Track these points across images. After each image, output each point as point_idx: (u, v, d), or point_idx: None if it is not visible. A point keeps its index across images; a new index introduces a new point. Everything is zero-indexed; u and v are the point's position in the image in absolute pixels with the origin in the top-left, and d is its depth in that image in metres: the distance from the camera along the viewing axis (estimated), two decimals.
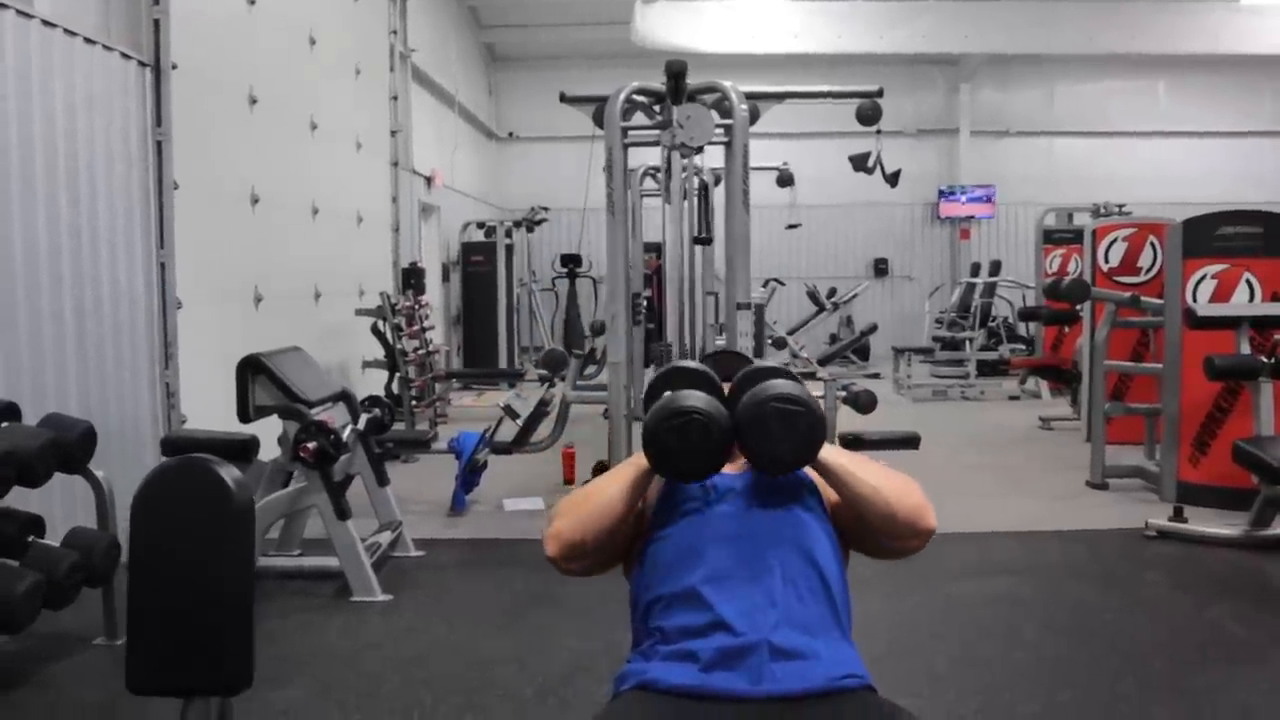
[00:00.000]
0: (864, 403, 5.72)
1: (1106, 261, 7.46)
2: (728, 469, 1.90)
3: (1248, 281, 5.45)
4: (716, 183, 7.17)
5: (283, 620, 3.80)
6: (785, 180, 9.30)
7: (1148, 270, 7.37)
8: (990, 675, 3.40)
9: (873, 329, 12.94)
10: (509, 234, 11.67)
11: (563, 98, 5.44)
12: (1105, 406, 6.09)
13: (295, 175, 6.16)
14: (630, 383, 5.65)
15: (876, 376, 12.04)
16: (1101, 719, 3.10)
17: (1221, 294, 5.50)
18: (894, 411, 8.75)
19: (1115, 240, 7.47)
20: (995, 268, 12.72)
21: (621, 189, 5.26)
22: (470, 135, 12.77)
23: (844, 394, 5.87)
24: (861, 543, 1.88)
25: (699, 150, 5.18)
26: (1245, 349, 4.90)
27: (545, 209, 12.68)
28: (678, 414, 1.73)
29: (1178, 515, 4.95)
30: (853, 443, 5.69)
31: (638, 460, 1.82)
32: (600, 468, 5.93)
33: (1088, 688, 3.28)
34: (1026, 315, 9.58)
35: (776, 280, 12.32)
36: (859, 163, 6.08)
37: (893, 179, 6.02)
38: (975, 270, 13.52)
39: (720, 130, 5.18)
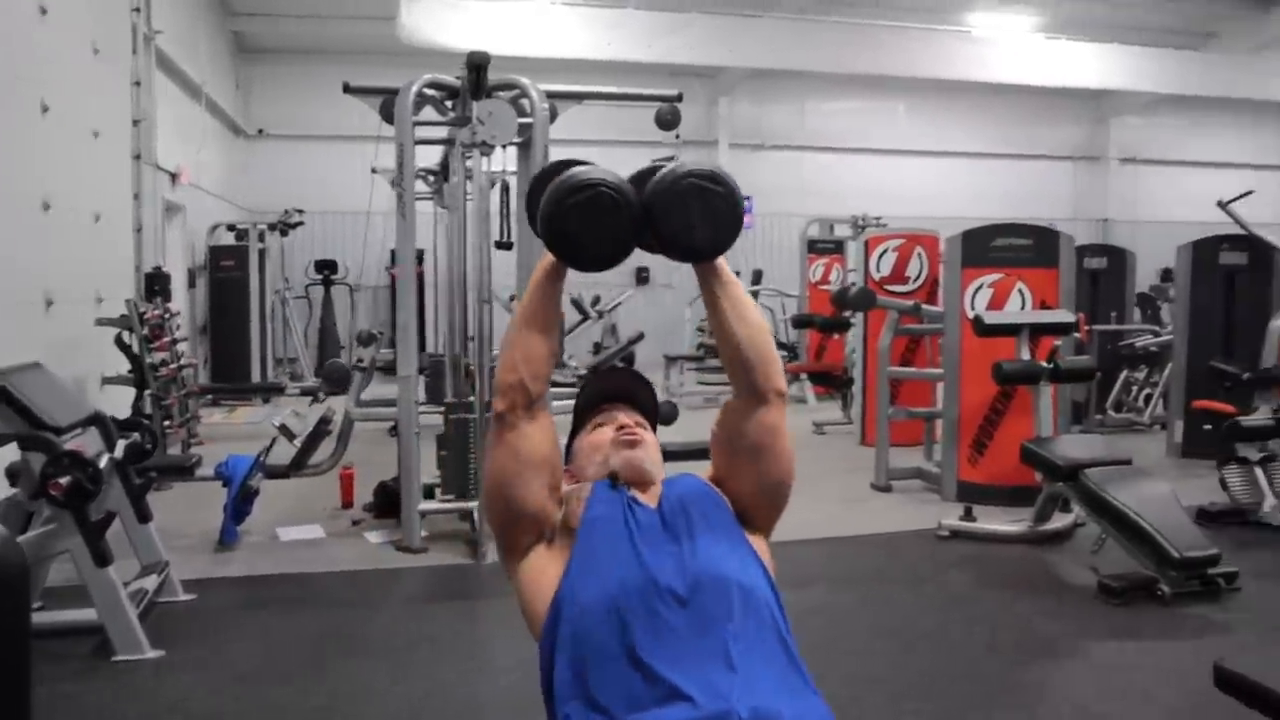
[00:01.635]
0: (665, 414, 5.61)
1: (878, 270, 7.75)
2: (643, 499, 1.67)
3: (1020, 290, 5.76)
4: (491, 185, 6.86)
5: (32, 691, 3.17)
6: None
7: (915, 279, 7.72)
8: (831, 689, 3.29)
9: (640, 337, 12.96)
10: (262, 237, 10.82)
11: (347, 88, 4.98)
12: (889, 411, 6.28)
13: (22, 164, 5.30)
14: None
15: None
16: None
17: (996, 302, 5.78)
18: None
19: (886, 251, 7.78)
20: (757, 277, 13.09)
21: (413, 190, 4.88)
22: (217, 130, 11.75)
23: None
24: (733, 469, 1.73)
25: (494, 148, 4.87)
26: (1025, 354, 5.15)
27: (300, 211, 11.87)
28: (583, 187, 1.50)
29: (968, 515, 5.13)
30: None
31: (540, 265, 1.64)
32: (383, 489, 5.51)
33: (930, 694, 3.27)
34: (800, 323, 9.87)
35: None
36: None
37: None
38: None
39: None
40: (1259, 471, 5.31)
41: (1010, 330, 5.18)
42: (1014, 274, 5.79)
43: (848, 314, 8.06)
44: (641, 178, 1.65)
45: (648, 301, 15.15)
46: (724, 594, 1.50)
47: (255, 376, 10.37)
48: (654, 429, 1.91)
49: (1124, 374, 8.51)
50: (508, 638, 3.80)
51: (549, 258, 1.61)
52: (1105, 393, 8.47)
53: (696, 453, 5.31)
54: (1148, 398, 8.59)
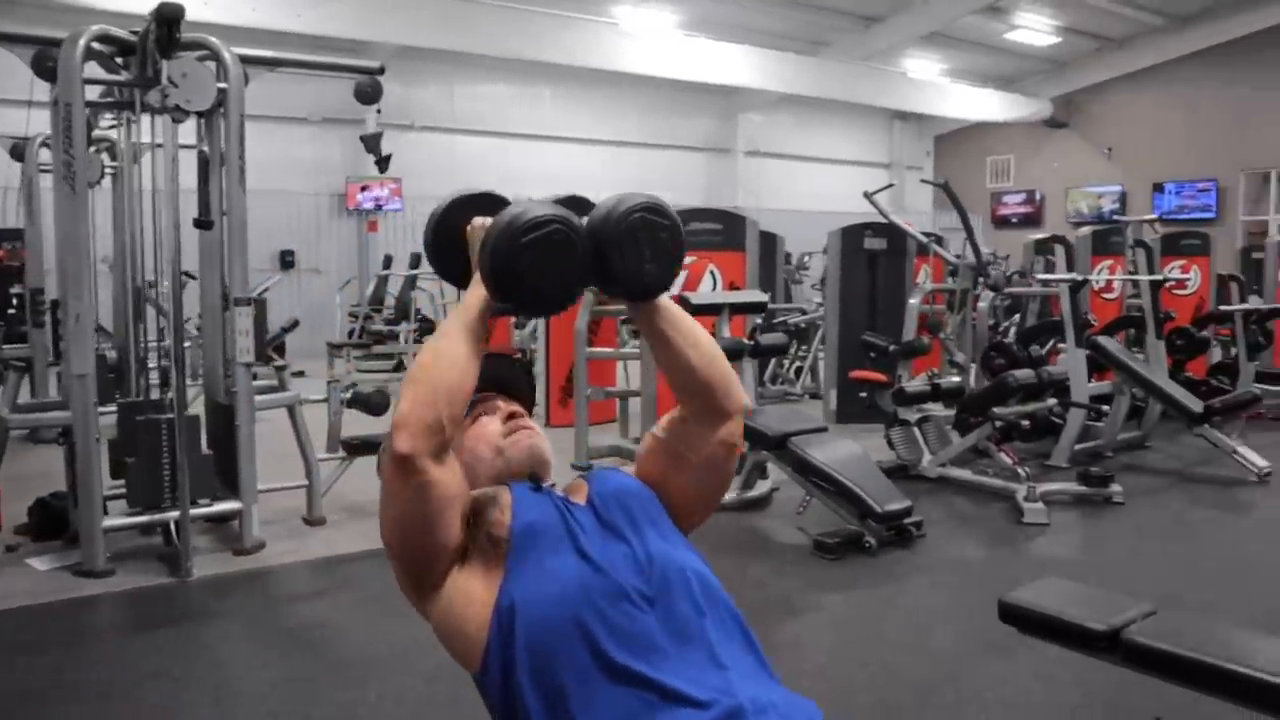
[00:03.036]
0: (376, 404, 5.35)
1: None
2: (575, 499, 1.55)
3: (712, 272, 6.08)
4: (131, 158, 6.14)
5: None
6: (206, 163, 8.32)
7: None
8: None
9: (294, 325, 12.24)
10: None
11: None
12: (589, 391, 6.38)
13: None
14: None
15: (302, 374, 11.42)
16: None
17: (690, 284, 6.06)
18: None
19: None
20: (415, 260, 12.77)
21: (84, 158, 4.23)
22: None
23: (349, 395, 5.44)
24: (676, 475, 1.61)
25: (188, 115, 4.34)
26: (726, 332, 5.43)
27: None
28: (539, 224, 1.38)
29: None
30: (361, 446, 5.30)
31: (467, 303, 1.46)
32: (42, 505, 4.78)
33: None
34: None
35: (187, 274, 11.03)
36: (371, 144, 5.64)
37: (384, 163, 5.67)
38: (388, 263, 13.49)
39: None
40: (917, 431, 6.01)
41: (713, 310, 5.44)
42: (706, 256, 6.10)
43: None
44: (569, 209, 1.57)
45: (295, 287, 14.31)
46: (687, 586, 1.43)
47: None
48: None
49: None
50: (247, 661, 3.45)
51: (479, 293, 1.45)
52: (763, 367, 9.17)
53: None
54: (798, 370, 9.42)
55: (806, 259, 13.94)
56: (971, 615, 3.87)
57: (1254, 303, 8.57)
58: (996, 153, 19.40)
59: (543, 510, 1.48)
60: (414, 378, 1.41)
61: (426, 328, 11.87)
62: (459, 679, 3.03)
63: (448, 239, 1.57)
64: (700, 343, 1.54)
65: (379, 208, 14.67)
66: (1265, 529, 5.26)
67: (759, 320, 5.58)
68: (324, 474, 5.14)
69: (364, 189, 14.40)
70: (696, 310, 5.39)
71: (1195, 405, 6.13)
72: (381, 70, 5.05)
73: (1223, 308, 7.90)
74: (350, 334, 12.48)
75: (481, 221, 1.51)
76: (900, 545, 4.64)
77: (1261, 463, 5.92)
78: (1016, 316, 8.84)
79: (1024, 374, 5.38)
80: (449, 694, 3.07)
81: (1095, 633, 2.30)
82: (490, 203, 1.58)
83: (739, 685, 1.33)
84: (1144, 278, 6.90)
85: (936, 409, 6.22)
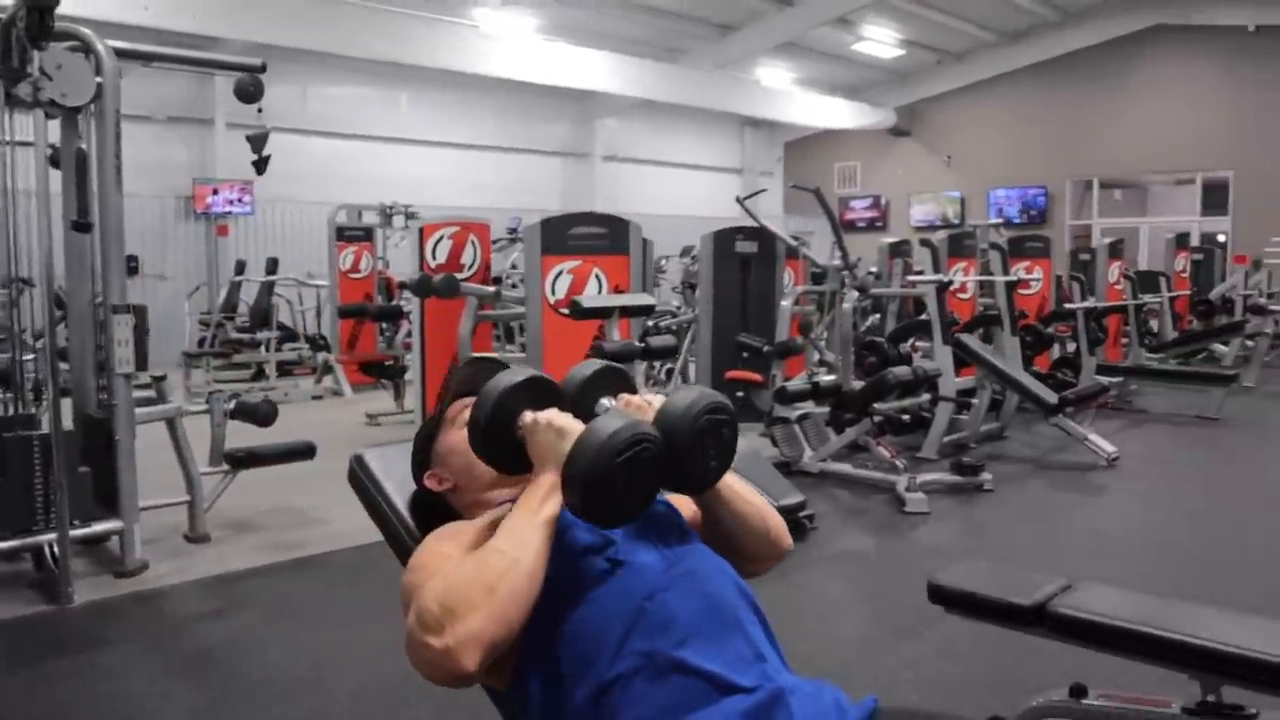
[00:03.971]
0: (264, 414, 5.17)
1: (434, 258, 7.72)
2: None
3: (597, 276, 6.11)
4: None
5: None
6: (55, 163, 7.83)
7: (470, 266, 7.81)
8: None
9: (144, 334, 11.63)
10: None
11: None
12: None
13: None
14: None
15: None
16: None
17: (576, 287, 6.08)
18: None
19: (441, 238, 7.76)
20: (273, 265, 12.34)
21: None
22: None
23: (232, 405, 5.23)
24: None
25: (64, 110, 4.10)
26: (616, 335, 5.49)
27: None
28: (632, 443, 1.36)
29: None
30: (246, 459, 5.11)
31: (545, 515, 1.40)
32: None
33: None
34: (350, 313, 9.47)
35: (24, 281, 10.32)
36: (257, 144, 5.41)
37: (263, 163, 5.46)
38: (241, 268, 12.98)
39: None
40: (798, 429, 6.20)
41: (603, 313, 5.48)
42: (591, 260, 6.13)
43: (402, 302, 7.96)
44: (592, 386, 1.61)
45: (139, 294, 13.57)
46: (723, 579, 1.46)
47: None
48: None
49: None
50: (153, 689, 3.27)
51: (556, 502, 1.40)
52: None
53: (294, 454, 5.03)
54: (669, 371, 9.55)
55: (663, 262, 14.14)
56: (874, 601, 4.05)
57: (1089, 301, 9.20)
58: (844, 159, 20.17)
59: (562, 521, 1.48)
60: (490, 587, 1.30)
61: (287, 335, 11.47)
62: (385, 693, 3.00)
63: (499, 427, 1.51)
64: (743, 510, 1.60)
65: (228, 211, 14.09)
66: (1119, 508, 5.67)
67: (649, 323, 5.65)
68: (206, 488, 4.93)
69: (215, 191, 13.78)
70: (588, 313, 5.45)
71: (1050, 397, 6.54)
72: (263, 68, 4.89)
73: (1067, 305, 8.44)
74: (201, 342, 11.94)
75: (546, 419, 1.47)
76: (795, 538, 4.77)
77: (1110, 448, 6.37)
78: (876, 316, 9.22)
79: (902, 371, 5.63)
80: (375, 709, 3.01)
81: (1021, 607, 2.45)
82: (540, 389, 1.55)
83: (774, 673, 1.37)
84: (1000, 278, 7.32)
85: (811, 406, 6.44)
